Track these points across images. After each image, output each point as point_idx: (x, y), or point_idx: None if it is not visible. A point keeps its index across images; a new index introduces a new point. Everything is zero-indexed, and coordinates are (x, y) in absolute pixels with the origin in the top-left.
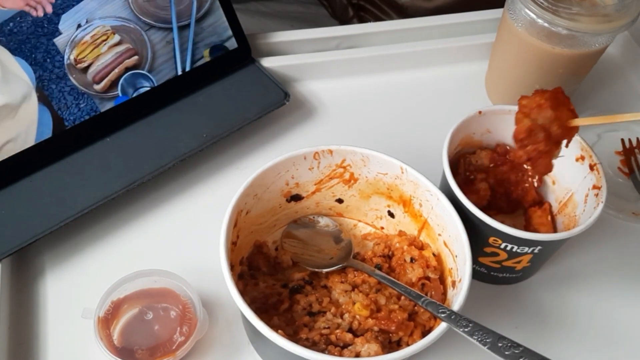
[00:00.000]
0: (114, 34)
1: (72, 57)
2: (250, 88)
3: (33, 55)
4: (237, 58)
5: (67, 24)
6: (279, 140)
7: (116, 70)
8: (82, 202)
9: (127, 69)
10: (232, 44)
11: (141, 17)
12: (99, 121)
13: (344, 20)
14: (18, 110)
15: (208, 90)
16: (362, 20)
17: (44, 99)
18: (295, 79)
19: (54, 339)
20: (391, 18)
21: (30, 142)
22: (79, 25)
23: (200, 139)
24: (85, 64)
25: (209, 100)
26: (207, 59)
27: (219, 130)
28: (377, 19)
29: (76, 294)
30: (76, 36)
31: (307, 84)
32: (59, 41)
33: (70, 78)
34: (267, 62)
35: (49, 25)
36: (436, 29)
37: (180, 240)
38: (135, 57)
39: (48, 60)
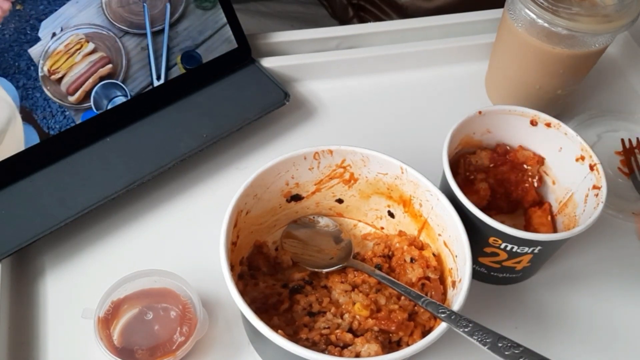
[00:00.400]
0: (88, 42)
1: (45, 69)
2: (250, 88)
3: (16, 64)
4: (237, 58)
5: (46, 31)
6: (279, 140)
7: (90, 80)
8: (82, 202)
9: (101, 78)
10: (205, 48)
11: (115, 23)
12: (80, 131)
13: (344, 20)
14: (4, 137)
15: (208, 91)
16: (362, 20)
17: (29, 117)
18: (295, 79)
19: (54, 339)
20: (391, 18)
21: None
22: (54, 34)
23: (200, 139)
24: (59, 75)
25: (209, 101)
26: (179, 65)
27: (219, 130)
28: (377, 19)
29: (76, 294)
30: (49, 47)
31: (307, 84)
32: (33, 52)
33: (45, 90)
34: (267, 62)
35: (32, 32)
36: (436, 29)
37: (180, 240)
38: (110, 66)
39: (32, 68)
